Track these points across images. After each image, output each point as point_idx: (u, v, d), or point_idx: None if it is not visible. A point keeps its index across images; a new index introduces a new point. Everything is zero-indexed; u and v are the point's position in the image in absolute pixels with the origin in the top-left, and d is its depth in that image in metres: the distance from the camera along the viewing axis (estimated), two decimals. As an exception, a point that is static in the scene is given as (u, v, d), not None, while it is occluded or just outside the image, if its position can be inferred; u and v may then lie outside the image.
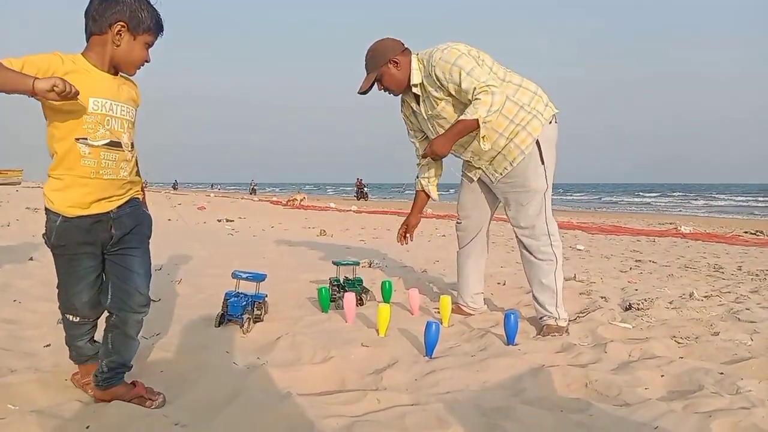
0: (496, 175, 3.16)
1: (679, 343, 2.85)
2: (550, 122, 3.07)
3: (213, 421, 1.79)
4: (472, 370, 2.37)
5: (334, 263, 3.75)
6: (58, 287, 1.93)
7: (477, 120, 2.77)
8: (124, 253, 1.92)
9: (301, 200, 22.88)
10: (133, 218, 1.94)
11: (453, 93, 2.93)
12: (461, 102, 2.94)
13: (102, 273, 1.93)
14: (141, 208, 2.00)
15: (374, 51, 3.07)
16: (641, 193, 62.16)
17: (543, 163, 3.05)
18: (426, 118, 3.15)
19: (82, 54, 1.81)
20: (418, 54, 3.09)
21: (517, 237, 3.20)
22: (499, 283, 4.48)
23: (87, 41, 1.82)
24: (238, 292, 3.03)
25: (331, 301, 3.48)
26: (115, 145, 1.82)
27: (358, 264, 3.79)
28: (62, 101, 1.61)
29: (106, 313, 1.97)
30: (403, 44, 3.10)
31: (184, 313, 3.26)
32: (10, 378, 2.01)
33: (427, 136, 3.29)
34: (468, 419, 1.87)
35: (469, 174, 3.35)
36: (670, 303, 3.80)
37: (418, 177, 3.45)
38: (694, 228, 12.48)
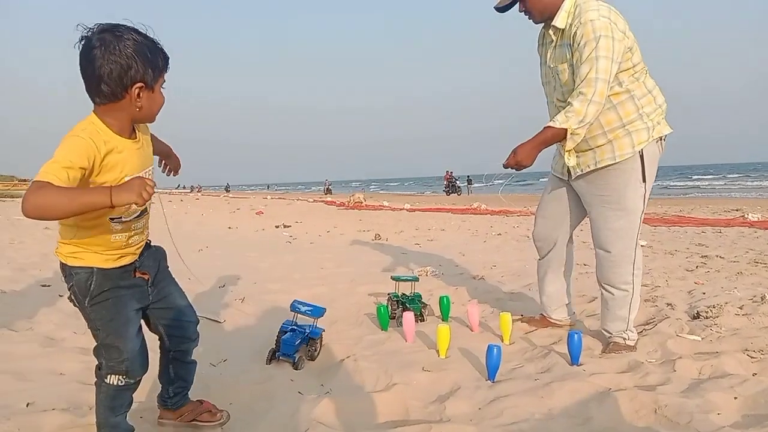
0: (577, 170, 2.89)
1: (752, 357, 2.74)
2: (658, 140, 2.80)
3: (283, 461, 1.85)
4: (536, 396, 2.35)
5: (393, 278, 3.77)
6: (102, 346, 1.81)
7: (566, 130, 2.59)
8: (162, 295, 1.94)
9: (364, 200, 23.25)
10: (152, 257, 1.95)
11: (575, 60, 2.66)
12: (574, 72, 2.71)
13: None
14: (152, 246, 2.00)
15: None
16: (692, 176, 59.73)
17: (645, 181, 2.79)
18: (549, 65, 2.90)
19: (98, 117, 1.65)
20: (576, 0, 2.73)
21: (597, 261, 3.00)
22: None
23: (96, 106, 1.66)
24: (294, 327, 2.99)
25: (391, 318, 3.51)
26: (143, 212, 1.81)
27: (417, 279, 3.79)
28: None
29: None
30: None
31: (248, 335, 3.36)
32: (90, 417, 2.12)
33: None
34: (534, 454, 1.86)
35: (556, 173, 3.13)
36: (741, 308, 3.65)
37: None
38: (762, 215, 11.90)
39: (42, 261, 5.93)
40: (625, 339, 2.96)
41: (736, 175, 54.94)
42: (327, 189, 43.34)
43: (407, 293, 3.73)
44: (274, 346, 2.92)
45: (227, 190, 61.34)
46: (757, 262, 5.86)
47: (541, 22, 2.89)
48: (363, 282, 4.96)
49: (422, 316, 3.62)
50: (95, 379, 1.87)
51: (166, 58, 1.70)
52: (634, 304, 2.94)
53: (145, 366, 1.86)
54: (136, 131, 1.76)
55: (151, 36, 1.66)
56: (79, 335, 3.26)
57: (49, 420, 2.07)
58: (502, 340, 3.18)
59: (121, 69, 1.57)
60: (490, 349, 2.57)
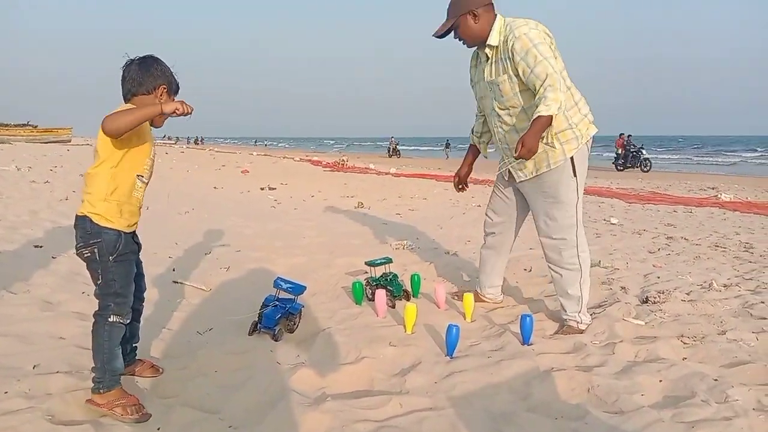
0: (521, 175, 3.27)
1: (685, 343, 3.07)
2: (587, 142, 3.19)
3: (260, 425, 2.14)
4: (486, 373, 2.66)
5: (367, 263, 3.99)
6: (115, 294, 2.24)
7: (551, 116, 2.83)
8: (137, 260, 2.46)
9: (346, 161, 23.46)
10: (137, 236, 2.44)
11: (519, 73, 2.96)
12: (522, 84, 3.01)
13: None
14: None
15: None
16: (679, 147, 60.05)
17: (575, 176, 3.16)
18: (487, 81, 3.20)
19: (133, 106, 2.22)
20: (505, 18, 3.09)
21: (543, 248, 3.37)
22: (525, 269, 4.71)
23: (129, 99, 2.26)
24: (275, 302, 3.21)
25: (370, 300, 3.76)
26: (147, 183, 2.35)
27: (390, 261, 4.04)
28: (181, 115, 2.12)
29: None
30: (492, 2, 3.11)
31: (232, 305, 3.62)
32: (90, 381, 2.38)
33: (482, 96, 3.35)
34: (477, 425, 2.18)
35: (503, 176, 3.51)
36: (688, 294, 3.98)
37: (473, 131, 3.68)
38: (735, 195, 12.29)
39: (32, 219, 6.12)
40: (578, 322, 3.28)
41: (718, 148, 55.48)
42: (394, 149, 37.98)
43: (386, 274, 3.95)
44: (256, 319, 3.18)
45: (197, 143, 60.70)
46: (717, 246, 6.21)
47: (473, 47, 3.24)
48: (341, 254, 5.23)
49: (393, 303, 3.73)
50: (95, 327, 2.24)
51: (178, 84, 2.36)
52: (585, 285, 3.26)
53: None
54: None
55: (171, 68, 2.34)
56: (75, 300, 3.51)
57: (55, 382, 2.34)
58: (465, 318, 3.49)
59: (154, 73, 2.26)
60: (449, 328, 2.87)
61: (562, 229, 3.22)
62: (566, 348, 3.02)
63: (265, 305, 3.20)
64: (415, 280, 3.94)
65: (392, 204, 9.95)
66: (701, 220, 8.50)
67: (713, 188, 14.96)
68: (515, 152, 2.87)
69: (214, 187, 12.01)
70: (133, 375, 2.52)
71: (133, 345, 2.55)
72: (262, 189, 11.94)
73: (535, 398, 2.44)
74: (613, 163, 25.27)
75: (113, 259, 2.21)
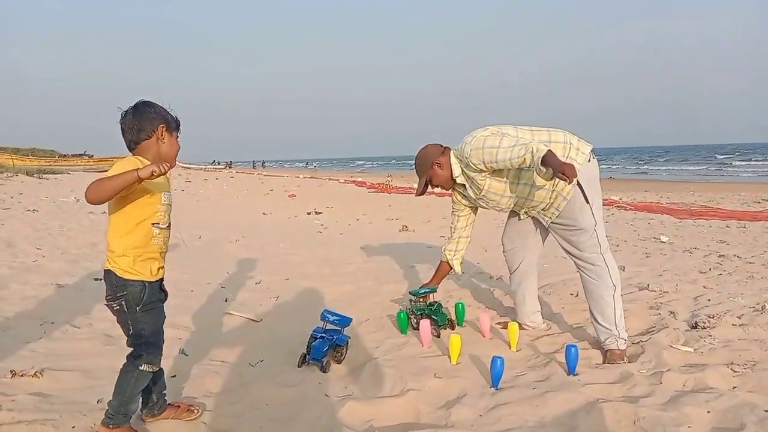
0: (547, 219, 3.46)
1: (734, 371, 3.01)
2: (589, 160, 3.29)
3: (312, 459, 2.23)
4: (532, 405, 2.68)
5: (411, 293, 4.04)
6: (146, 344, 2.31)
7: (548, 150, 2.94)
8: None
9: (391, 181, 23.68)
10: (163, 279, 2.46)
11: (495, 168, 3.25)
12: (504, 173, 3.32)
13: None
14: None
15: (420, 158, 3.55)
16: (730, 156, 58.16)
17: (588, 201, 3.27)
18: (477, 199, 3.54)
19: (139, 157, 2.27)
20: (454, 150, 3.48)
21: (576, 264, 3.48)
22: (572, 294, 4.69)
23: (134, 148, 2.30)
24: (323, 334, 3.32)
25: (415, 329, 3.83)
26: (169, 226, 2.37)
27: (434, 291, 4.07)
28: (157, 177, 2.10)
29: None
30: (441, 146, 3.54)
31: (282, 335, 3.75)
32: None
33: (471, 209, 3.77)
34: (522, 460, 2.20)
35: (518, 212, 3.67)
36: (739, 317, 3.89)
37: (444, 249, 3.94)
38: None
39: (92, 252, 6.45)
40: (616, 338, 3.31)
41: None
42: None
43: (430, 303, 3.99)
44: (305, 351, 3.29)
45: (263, 166, 63.59)
46: (772, 265, 6.03)
47: (450, 187, 3.64)
48: (387, 280, 5.33)
49: (451, 324, 3.93)
50: (124, 368, 2.33)
51: (177, 121, 2.39)
52: (618, 299, 3.34)
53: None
54: None
55: (166, 107, 2.37)
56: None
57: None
58: (510, 347, 3.51)
59: (149, 118, 2.29)
60: (494, 360, 2.91)
61: (586, 251, 3.33)
62: (612, 378, 3.01)
63: (313, 337, 3.32)
64: (460, 309, 3.99)
65: (436, 226, 10.01)
66: (755, 236, 8.25)
67: (770, 200, 14.47)
68: (569, 181, 2.86)
69: (263, 213, 12.33)
70: (170, 419, 2.56)
71: (162, 392, 2.57)
72: (308, 213, 12.20)
73: (581, 431, 2.45)
74: None
75: (140, 309, 2.27)
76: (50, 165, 28.89)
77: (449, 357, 3.31)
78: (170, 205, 2.38)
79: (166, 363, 3.19)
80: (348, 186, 24.86)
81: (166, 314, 2.48)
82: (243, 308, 4.43)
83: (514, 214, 3.74)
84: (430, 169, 3.51)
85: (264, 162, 75.58)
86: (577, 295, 4.65)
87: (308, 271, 5.87)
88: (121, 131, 2.32)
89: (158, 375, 2.49)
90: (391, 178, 25.04)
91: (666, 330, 3.68)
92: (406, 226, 9.62)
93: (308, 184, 25.71)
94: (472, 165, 3.29)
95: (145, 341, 2.31)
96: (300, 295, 4.89)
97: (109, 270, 2.25)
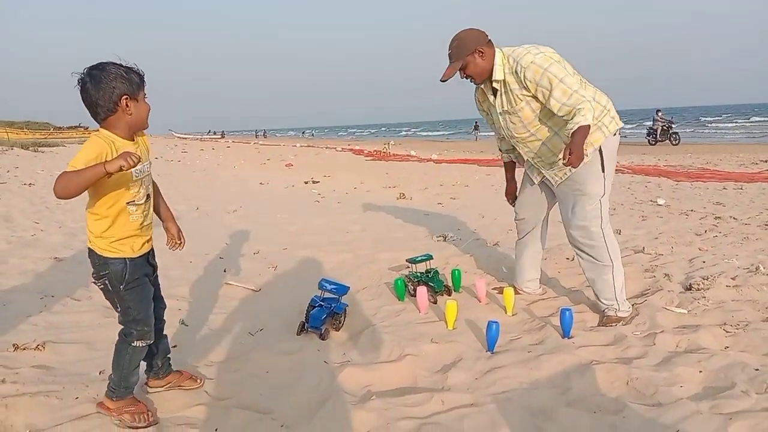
0: (556, 179, 3.38)
1: (727, 332, 3.06)
2: (615, 134, 3.25)
3: (311, 423, 2.28)
4: (527, 368, 2.73)
5: (408, 261, 4.10)
6: (134, 321, 2.28)
7: (589, 125, 2.93)
8: (154, 281, 2.47)
9: (388, 149, 23.60)
10: (154, 258, 2.45)
11: (539, 96, 3.11)
12: (541, 105, 3.16)
13: None
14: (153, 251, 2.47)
15: (461, 40, 3.18)
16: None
17: (603, 171, 3.23)
18: (500, 112, 3.34)
19: (106, 130, 2.13)
20: (503, 50, 3.22)
21: (572, 243, 3.45)
22: (568, 259, 4.73)
23: (101, 122, 2.14)
24: (321, 303, 3.37)
25: (412, 296, 3.85)
26: (149, 197, 2.31)
27: (430, 258, 4.13)
28: (128, 170, 1.99)
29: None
30: (487, 35, 3.21)
31: (281, 304, 3.78)
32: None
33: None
34: (517, 421, 2.26)
35: (531, 176, 3.62)
36: (733, 279, 3.93)
37: (501, 150, 3.87)
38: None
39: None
40: (616, 311, 3.33)
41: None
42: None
43: (427, 270, 4.05)
44: (303, 319, 3.33)
45: (264, 136, 63.51)
46: (767, 225, 6.06)
47: (481, 83, 3.36)
48: (384, 248, 5.35)
49: (447, 290, 3.95)
50: (118, 345, 2.33)
51: (140, 76, 2.18)
52: (618, 274, 3.32)
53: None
54: (135, 137, 2.25)
55: (126, 64, 2.16)
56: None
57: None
58: (506, 312, 3.56)
59: (107, 91, 2.08)
60: (489, 325, 2.95)
61: (586, 219, 3.28)
62: (607, 340, 3.06)
63: (311, 306, 3.36)
64: (456, 275, 4.03)
65: (434, 193, 10.01)
66: (752, 197, 8.27)
67: (766, 161, 14.44)
68: (564, 159, 2.89)
69: (260, 183, 12.31)
70: (172, 386, 2.57)
71: (166, 357, 2.59)
72: (306, 183, 12.18)
73: (575, 392, 2.50)
74: (645, 137, 26.02)
75: (124, 288, 2.22)
76: (45, 138, 28.72)
77: (446, 322, 3.35)
78: (147, 176, 2.28)
79: (167, 334, 3.23)
80: (345, 154, 24.75)
81: (163, 285, 2.50)
82: (242, 278, 4.47)
83: (528, 179, 3.67)
84: (471, 55, 3.16)
85: (265, 131, 74.81)
86: (572, 260, 4.68)
87: (306, 241, 5.89)
88: (81, 101, 2.13)
89: (160, 341, 2.52)
90: (389, 145, 24.91)
91: (660, 292, 3.72)
92: (404, 194, 9.62)
93: (305, 153, 25.59)
94: (522, 77, 3.09)
95: (132, 319, 2.28)
96: (298, 264, 4.92)
97: (91, 249, 2.22)
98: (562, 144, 3.19)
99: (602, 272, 3.32)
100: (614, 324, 3.28)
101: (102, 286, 2.25)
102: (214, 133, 69.91)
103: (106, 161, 1.96)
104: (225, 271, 4.68)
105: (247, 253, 5.35)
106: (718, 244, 5.18)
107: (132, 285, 2.25)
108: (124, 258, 2.21)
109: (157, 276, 2.50)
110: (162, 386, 2.57)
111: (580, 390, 2.52)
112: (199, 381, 2.62)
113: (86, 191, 2.06)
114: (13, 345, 2.96)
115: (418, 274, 4.02)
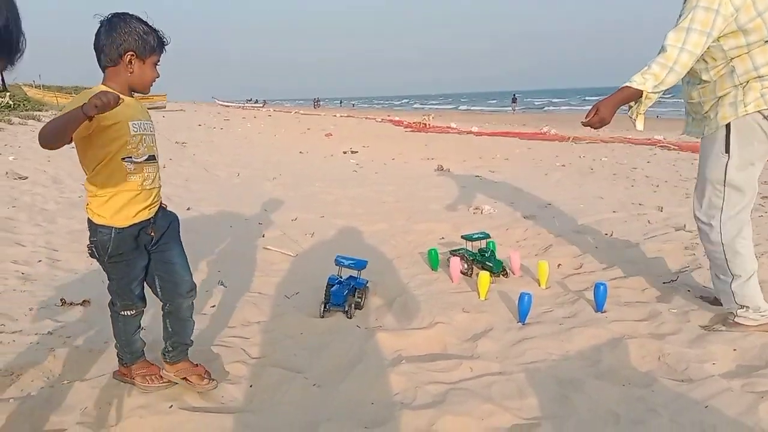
0: (689, 130, 2.92)
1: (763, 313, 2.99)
2: (760, 113, 2.57)
3: (342, 384, 2.35)
4: (557, 340, 2.74)
5: (464, 237, 3.96)
6: (114, 290, 2.21)
7: (642, 91, 2.56)
8: (164, 249, 2.23)
9: (429, 121, 23.45)
10: (165, 219, 2.25)
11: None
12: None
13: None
14: (167, 210, 2.31)
15: None
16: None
17: (727, 152, 2.64)
18: None
19: (104, 84, 2.03)
20: None
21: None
22: (606, 234, 4.66)
23: (103, 72, 2.05)
24: (340, 279, 3.26)
25: (467, 275, 3.73)
26: (152, 158, 2.13)
27: (488, 236, 3.97)
28: (110, 111, 1.77)
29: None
30: None
31: (318, 271, 3.86)
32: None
33: None
34: (544, 390, 2.28)
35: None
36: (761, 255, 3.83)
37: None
38: None
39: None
40: (734, 316, 2.81)
41: None
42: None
43: (481, 249, 3.89)
44: (324, 299, 3.17)
45: (316, 105, 61.46)
46: (818, 206, 5.85)
47: None
48: (420, 219, 5.38)
49: (504, 272, 3.71)
50: (111, 315, 2.29)
51: (160, 40, 2.08)
52: (738, 283, 2.75)
53: (144, 299, 2.29)
54: (134, 96, 2.14)
55: (150, 23, 2.06)
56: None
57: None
58: (539, 285, 3.56)
59: (118, 40, 1.98)
60: (521, 296, 2.96)
61: (702, 208, 2.81)
62: (640, 316, 3.03)
63: (330, 285, 3.21)
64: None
65: (472, 165, 9.94)
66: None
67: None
68: (585, 117, 2.70)
69: (300, 152, 12.43)
70: (179, 375, 2.31)
71: (181, 343, 2.33)
72: (344, 153, 12.23)
73: (604, 365, 2.50)
74: None
75: (107, 259, 2.11)
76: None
77: (478, 293, 3.37)
78: (149, 135, 2.12)
79: (205, 295, 3.34)
80: (384, 125, 24.69)
81: (203, 247, 2.46)
82: (279, 244, 4.56)
83: None
84: None
85: (318, 99, 69.16)
86: (611, 235, 4.63)
87: (343, 210, 5.96)
88: (93, 48, 2.03)
89: (177, 323, 2.29)
90: (429, 117, 24.73)
91: (699, 270, 3.66)
92: (442, 166, 9.58)
93: (345, 123, 25.63)
94: None
95: (113, 290, 2.22)
96: (335, 232, 4.99)
97: (87, 212, 2.11)
98: (693, 91, 2.77)
99: (719, 276, 2.83)
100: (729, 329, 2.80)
101: (90, 252, 2.13)
102: (255, 102, 70.11)
103: (83, 105, 1.75)
104: (263, 236, 4.78)
105: (285, 220, 5.45)
106: (762, 224, 5.02)
107: (116, 259, 2.11)
108: (111, 227, 2.05)
109: (172, 245, 2.27)
110: (172, 373, 2.32)
111: (610, 363, 2.52)
112: (207, 382, 2.30)
113: (79, 148, 1.98)
114: (61, 300, 3.11)
115: (473, 252, 3.88)
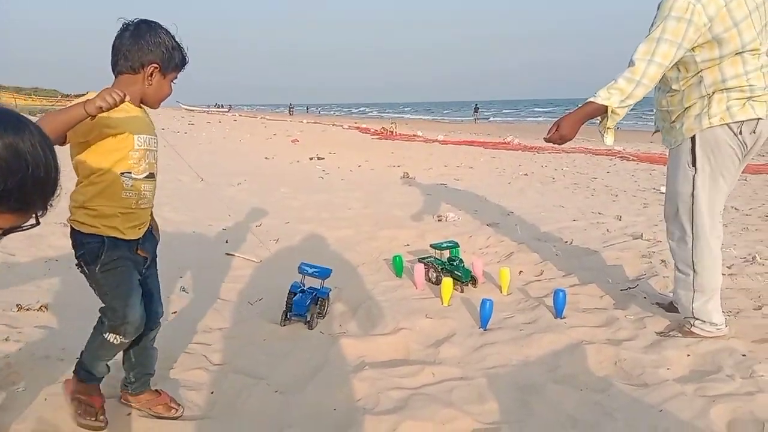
0: (665, 143, 2.88)
1: (719, 318, 3.10)
2: (726, 127, 2.55)
3: (304, 390, 2.35)
4: (518, 345, 2.79)
5: (432, 246, 3.96)
6: (110, 310, 1.94)
7: (607, 107, 2.51)
8: (147, 275, 2.09)
9: (394, 128, 23.60)
10: (152, 243, 2.10)
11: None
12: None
13: None
14: (152, 233, 2.14)
15: None
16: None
17: (693, 166, 2.62)
18: None
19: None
20: None
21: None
22: (566, 242, 4.77)
23: (116, 75, 1.91)
24: (303, 287, 3.17)
25: (435, 284, 3.69)
26: (151, 176, 1.99)
27: (457, 246, 3.98)
28: (114, 109, 1.66)
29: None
30: None
31: (281, 276, 3.84)
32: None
33: None
34: (504, 395, 2.32)
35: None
36: (729, 267, 3.95)
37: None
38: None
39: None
40: (690, 326, 2.83)
41: None
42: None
43: (450, 258, 3.89)
44: (286, 308, 3.08)
45: (290, 112, 59.43)
46: (768, 217, 6.07)
47: None
48: (385, 226, 5.40)
49: (473, 281, 3.70)
50: (94, 329, 2.04)
51: (183, 58, 1.99)
52: (699, 293, 2.75)
53: (139, 330, 2.00)
54: (143, 108, 2.01)
55: (177, 39, 1.96)
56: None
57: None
58: (501, 291, 3.61)
59: (145, 49, 1.87)
60: (483, 302, 3.00)
61: (671, 218, 2.83)
62: (598, 322, 3.11)
63: (292, 293, 3.11)
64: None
65: (438, 173, 10.04)
66: (755, 189, 8.25)
67: (775, 153, 14.36)
68: (547, 133, 2.72)
69: (265, 158, 12.35)
70: (142, 407, 2.17)
71: (144, 373, 2.16)
72: (311, 159, 12.20)
73: (563, 370, 2.56)
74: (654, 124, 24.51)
75: (99, 269, 1.89)
76: (53, 105, 28.73)
77: (441, 299, 3.41)
78: (151, 151, 1.98)
79: (167, 302, 3.28)
80: (351, 132, 24.70)
81: (165, 253, 2.30)
82: (243, 250, 4.53)
83: None
84: None
85: (292, 105, 67.33)
86: (571, 243, 4.73)
87: (308, 216, 5.95)
88: (111, 47, 1.91)
89: (141, 353, 2.13)
90: (394, 125, 24.84)
91: (656, 278, 3.76)
92: (408, 173, 9.64)
93: (311, 130, 25.55)
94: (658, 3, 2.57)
95: (108, 306, 1.96)
96: (299, 238, 4.98)
97: (71, 226, 1.93)
98: (661, 97, 2.77)
99: (681, 284, 2.84)
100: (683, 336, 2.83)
101: (79, 268, 1.95)
102: (221, 106, 69.33)
103: (86, 102, 1.63)
104: (227, 242, 4.74)
105: (249, 225, 5.41)
106: (745, 234, 5.20)
107: (109, 267, 1.90)
108: (103, 236, 1.88)
109: (154, 272, 2.17)
110: (134, 405, 2.18)
111: (569, 368, 2.58)
112: (174, 411, 2.16)
113: (74, 155, 1.85)
114: (17, 305, 3.03)
115: (442, 261, 3.88)
